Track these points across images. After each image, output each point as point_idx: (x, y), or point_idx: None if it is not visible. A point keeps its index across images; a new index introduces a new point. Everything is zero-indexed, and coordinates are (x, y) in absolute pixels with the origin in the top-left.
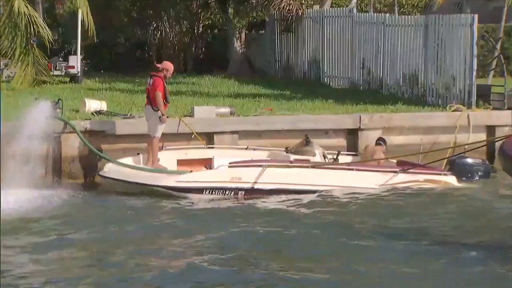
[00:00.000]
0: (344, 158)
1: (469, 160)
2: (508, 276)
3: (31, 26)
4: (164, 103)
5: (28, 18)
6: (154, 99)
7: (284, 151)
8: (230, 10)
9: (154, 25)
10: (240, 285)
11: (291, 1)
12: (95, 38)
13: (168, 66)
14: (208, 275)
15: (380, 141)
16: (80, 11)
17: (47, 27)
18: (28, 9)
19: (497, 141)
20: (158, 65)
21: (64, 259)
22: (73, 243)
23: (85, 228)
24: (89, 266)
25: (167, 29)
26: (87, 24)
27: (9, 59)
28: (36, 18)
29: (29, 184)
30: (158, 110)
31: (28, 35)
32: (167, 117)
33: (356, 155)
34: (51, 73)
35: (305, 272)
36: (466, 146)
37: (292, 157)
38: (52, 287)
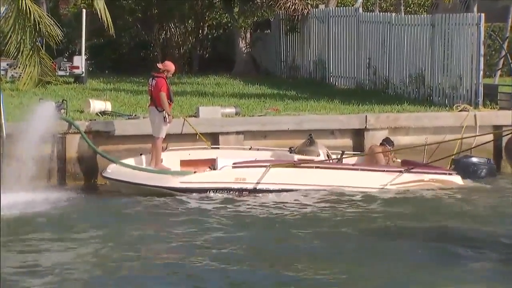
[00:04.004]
0: (349, 159)
1: (474, 159)
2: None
3: (39, 25)
4: (169, 102)
5: (36, 18)
6: (158, 100)
7: (288, 151)
8: (235, 10)
9: (159, 25)
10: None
11: (297, 1)
12: (113, 35)
13: (169, 67)
14: (212, 277)
15: (384, 142)
16: (89, 10)
17: (54, 26)
18: (35, 9)
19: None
20: (160, 66)
21: (64, 259)
22: (74, 244)
23: (86, 230)
24: (87, 267)
25: (172, 29)
26: (105, 21)
27: (13, 59)
28: (43, 17)
29: (32, 186)
30: (163, 111)
31: (36, 35)
32: (172, 117)
33: (362, 155)
34: (56, 73)
35: (308, 272)
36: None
37: (296, 157)
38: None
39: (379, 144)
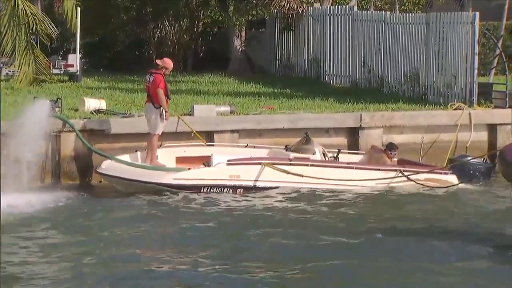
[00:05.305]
0: (347, 156)
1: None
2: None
3: (33, 23)
4: (166, 99)
5: (30, 16)
6: (155, 96)
7: (284, 149)
8: (230, 8)
9: (154, 23)
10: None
11: None
12: (82, 37)
13: (168, 64)
14: (208, 277)
15: (387, 148)
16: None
17: (48, 24)
18: (29, 6)
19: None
20: (158, 62)
21: (61, 259)
22: (71, 244)
23: (80, 230)
24: (82, 267)
25: (167, 27)
26: (71, 21)
27: (9, 57)
28: (38, 15)
29: (28, 185)
30: (160, 107)
31: (30, 33)
32: (169, 114)
33: (358, 153)
34: (50, 71)
35: (304, 272)
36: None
37: (292, 155)
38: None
39: (383, 150)
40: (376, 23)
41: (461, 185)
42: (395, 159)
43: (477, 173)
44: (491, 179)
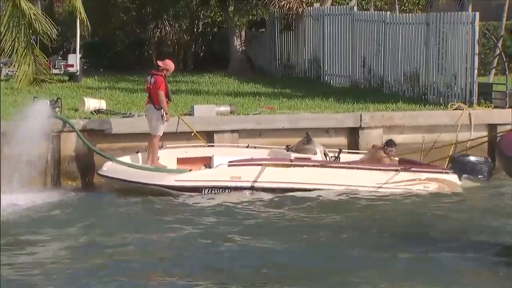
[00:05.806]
0: (348, 156)
1: (472, 158)
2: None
3: (33, 23)
4: (167, 101)
5: (30, 15)
6: (156, 97)
7: (285, 149)
8: (230, 8)
9: (154, 23)
10: None
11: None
12: (89, 36)
13: (169, 66)
14: (207, 278)
15: (385, 145)
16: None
17: (48, 24)
18: (30, 7)
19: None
20: (160, 64)
21: (60, 260)
22: (71, 245)
23: (80, 231)
24: (81, 268)
25: (167, 27)
26: (81, 20)
27: (9, 57)
28: (38, 15)
29: (28, 186)
30: (161, 109)
31: (30, 33)
32: (170, 116)
33: (359, 153)
34: (50, 71)
35: (305, 274)
36: (468, 144)
37: (293, 155)
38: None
39: (383, 147)
40: (376, 23)
41: (461, 184)
42: (396, 158)
43: (478, 172)
44: (492, 177)
